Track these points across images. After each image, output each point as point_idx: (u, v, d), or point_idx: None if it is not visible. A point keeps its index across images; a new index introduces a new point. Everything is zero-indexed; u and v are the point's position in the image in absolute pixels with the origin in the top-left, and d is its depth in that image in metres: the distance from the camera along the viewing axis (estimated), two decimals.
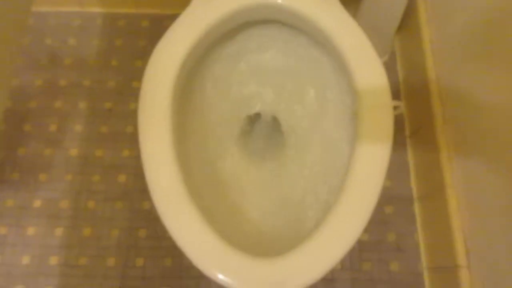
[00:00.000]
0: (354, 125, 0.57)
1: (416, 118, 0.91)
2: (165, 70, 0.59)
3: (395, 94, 0.99)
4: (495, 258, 0.63)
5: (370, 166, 0.53)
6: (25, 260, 0.85)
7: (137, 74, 1.01)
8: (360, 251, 0.85)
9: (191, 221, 0.51)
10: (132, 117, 0.96)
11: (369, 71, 0.58)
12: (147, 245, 0.86)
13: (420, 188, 0.88)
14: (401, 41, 1.02)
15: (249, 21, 0.68)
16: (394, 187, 0.91)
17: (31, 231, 0.87)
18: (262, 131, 0.73)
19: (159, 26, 1.06)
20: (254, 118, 0.72)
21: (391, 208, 0.89)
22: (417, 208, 0.88)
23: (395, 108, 0.56)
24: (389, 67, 1.02)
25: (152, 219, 0.88)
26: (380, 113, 0.55)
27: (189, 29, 0.62)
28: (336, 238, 0.50)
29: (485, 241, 0.66)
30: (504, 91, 0.60)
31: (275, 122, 0.72)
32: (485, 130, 0.65)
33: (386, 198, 0.89)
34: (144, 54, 1.03)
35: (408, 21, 0.96)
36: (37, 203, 0.89)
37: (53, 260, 0.85)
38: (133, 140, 0.94)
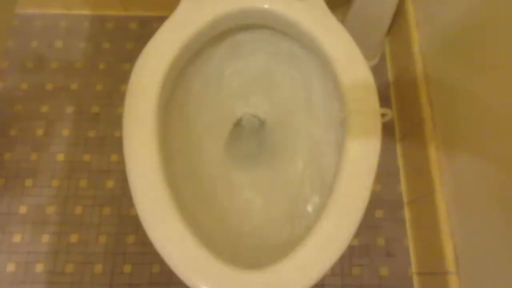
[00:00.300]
0: (342, 130, 0.57)
1: (406, 121, 0.91)
2: (151, 75, 0.59)
3: (386, 97, 0.99)
4: (484, 265, 0.63)
5: (358, 172, 0.52)
6: (11, 267, 0.83)
7: (125, 78, 0.98)
8: (350, 256, 0.85)
9: (175, 231, 0.50)
10: (120, 121, 0.93)
11: (357, 76, 0.58)
12: (135, 251, 0.85)
13: (410, 192, 0.88)
14: (391, 44, 1.02)
15: (236, 26, 0.67)
16: (384, 191, 0.90)
17: (17, 237, 0.86)
18: (250, 136, 0.73)
19: (147, 28, 1.05)
20: (242, 123, 0.71)
21: (381, 212, 0.88)
22: (407, 213, 0.88)
23: (383, 115, 0.55)
24: (379, 70, 1.01)
25: (140, 225, 0.85)
26: (368, 119, 0.55)
27: (176, 34, 0.61)
28: (326, 245, 0.49)
29: (475, 248, 0.66)
30: (495, 93, 0.59)
31: (263, 127, 0.71)
32: (475, 134, 0.65)
33: (376, 202, 0.89)
34: (132, 57, 1.01)
35: (397, 24, 0.95)
36: (23, 209, 0.88)
37: (40, 267, 0.83)
38: (121, 145, 0.91)
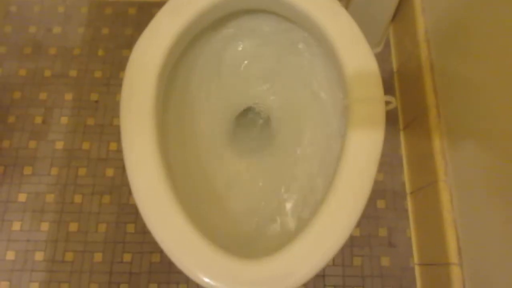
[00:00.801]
0: (345, 118, 0.55)
1: (410, 109, 0.90)
2: (149, 63, 0.57)
3: (389, 84, 0.97)
4: (488, 256, 0.62)
5: (361, 160, 0.51)
6: (10, 255, 0.83)
7: (125, 64, 0.95)
8: (351, 246, 0.84)
9: (175, 221, 0.49)
10: (119, 109, 0.94)
11: (360, 63, 0.56)
12: (135, 240, 0.84)
13: (413, 182, 0.87)
14: (396, 31, 1.00)
15: (237, 10, 0.65)
16: (386, 181, 0.89)
17: (16, 226, 0.85)
18: (253, 126, 0.71)
19: (147, 13, 1.03)
20: (244, 113, 0.69)
21: (383, 202, 0.87)
22: (409, 203, 0.87)
23: (387, 103, 0.54)
24: (383, 57, 1.00)
25: (140, 214, 0.86)
26: (372, 106, 0.53)
27: (175, 18, 0.59)
28: (327, 235, 0.48)
29: (478, 238, 0.65)
30: (501, 81, 0.58)
31: (265, 117, 0.70)
32: (480, 123, 0.64)
33: (379, 192, 0.88)
34: (132, 43, 0.99)
35: (402, 11, 0.93)
36: (22, 197, 0.87)
37: (39, 256, 0.83)
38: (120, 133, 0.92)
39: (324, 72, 0.65)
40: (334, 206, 0.49)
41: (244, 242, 0.60)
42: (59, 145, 0.91)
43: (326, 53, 0.60)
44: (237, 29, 0.69)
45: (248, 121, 0.70)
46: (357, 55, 0.56)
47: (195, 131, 0.68)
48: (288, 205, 0.63)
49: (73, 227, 0.85)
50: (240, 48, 0.70)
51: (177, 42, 0.58)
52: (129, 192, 0.88)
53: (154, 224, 0.49)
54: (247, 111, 0.69)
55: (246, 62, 0.71)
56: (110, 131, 0.93)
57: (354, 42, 0.57)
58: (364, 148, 0.51)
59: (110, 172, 0.89)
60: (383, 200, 0.88)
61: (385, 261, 0.84)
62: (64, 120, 0.93)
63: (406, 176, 0.89)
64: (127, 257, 0.83)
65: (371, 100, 0.53)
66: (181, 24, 0.59)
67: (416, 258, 0.83)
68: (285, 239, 0.50)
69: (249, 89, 0.70)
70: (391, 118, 0.93)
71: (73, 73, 0.97)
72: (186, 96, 0.67)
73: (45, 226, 0.85)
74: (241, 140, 0.70)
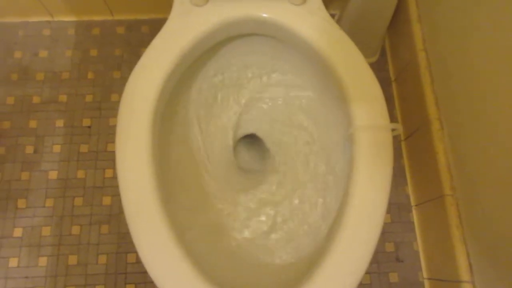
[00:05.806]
0: (349, 148, 0.53)
1: (411, 121, 0.88)
2: (146, 90, 0.55)
3: (387, 94, 0.95)
4: (502, 274, 0.60)
5: (369, 199, 0.49)
6: None
7: (116, 86, 0.95)
8: None
9: (169, 256, 0.47)
10: (113, 133, 0.91)
11: (364, 90, 0.54)
12: (137, 270, 0.82)
13: (417, 195, 0.86)
14: (392, 40, 0.98)
15: (233, 35, 0.63)
16: (390, 194, 0.87)
17: (13, 262, 0.82)
18: (250, 154, 0.69)
19: (136, 32, 0.99)
20: (242, 141, 0.67)
21: (388, 216, 0.86)
22: (415, 216, 0.86)
23: (392, 130, 0.52)
24: (380, 66, 0.98)
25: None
26: (378, 136, 0.52)
27: (172, 45, 0.57)
28: (338, 278, 0.47)
29: (489, 255, 0.63)
30: (506, 91, 0.56)
31: (262, 145, 0.68)
32: (486, 135, 0.62)
33: None
34: (122, 64, 0.97)
35: (398, 18, 0.91)
36: (18, 232, 0.84)
37: None
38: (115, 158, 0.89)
39: (324, 97, 0.63)
40: (342, 251, 0.46)
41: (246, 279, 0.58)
42: (53, 175, 0.88)
43: (326, 77, 0.58)
44: (232, 51, 0.66)
45: (247, 151, 0.67)
46: (360, 81, 0.54)
47: (193, 157, 0.66)
48: (291, 238, 0.61)
49: (72, 260, 0.83)
50: (234, 71, 0.68)
51: (174, 69, 0.56)
52: None
53: (150, 263, 0.47)
54: (245, 140, 0.67)
55: (239, 88, 0.69)
56: (105, 157, 0.90)
57: (355, 66, 0.55)
58: (372, 185, 0.49)
59: (107, 200, 0.87)
60: (388, 214, 0.86)
61: (393, 277, 0.82)
62: (56, 148, 0.90)
63: (410, 188, 0.88)
64: None
65: (376, 128, 0.51)
66: (179, 51, 0.56)
67: (425, 273, 0.82)
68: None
69: (245, 116, 0.68)
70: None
71: (63, 98, 0.94)
72: (184, 121, 0.65)
73: (43, 261, 0.82)
74: (240, 170, 0.68)
